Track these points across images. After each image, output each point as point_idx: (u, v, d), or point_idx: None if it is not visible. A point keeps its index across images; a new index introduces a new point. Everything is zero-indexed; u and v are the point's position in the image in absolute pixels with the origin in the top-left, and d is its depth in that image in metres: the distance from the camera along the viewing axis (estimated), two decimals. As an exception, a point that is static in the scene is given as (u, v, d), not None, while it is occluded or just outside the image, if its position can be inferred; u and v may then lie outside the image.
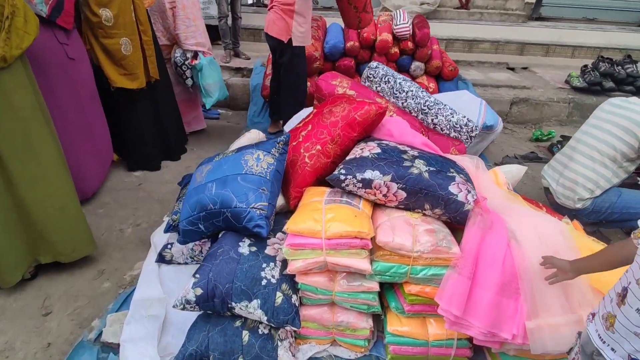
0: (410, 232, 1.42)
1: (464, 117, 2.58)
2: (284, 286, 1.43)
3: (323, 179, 1.80)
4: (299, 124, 2.00)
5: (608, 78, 4.34)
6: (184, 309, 1.43)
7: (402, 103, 2.42)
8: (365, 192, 1.55)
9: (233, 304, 1.39)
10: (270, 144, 1.65)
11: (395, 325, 1.49)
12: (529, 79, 4.70)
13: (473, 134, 2.74)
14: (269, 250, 1.53)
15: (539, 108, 4.20)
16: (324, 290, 1.47)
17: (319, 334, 1.56)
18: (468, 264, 1.37)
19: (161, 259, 1.95)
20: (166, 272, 1.94)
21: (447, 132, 2.45)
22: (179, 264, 1.97)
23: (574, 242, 1.40)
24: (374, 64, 2.56)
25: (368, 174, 1.52)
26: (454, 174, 1.54)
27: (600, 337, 0.97)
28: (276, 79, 3.17)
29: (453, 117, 2.49)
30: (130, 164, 2.97)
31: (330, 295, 1.48)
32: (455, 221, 1.53)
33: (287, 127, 2.94)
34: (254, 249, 1.52)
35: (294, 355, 1.48)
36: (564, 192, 2.34)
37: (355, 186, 1.55)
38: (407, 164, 1.54)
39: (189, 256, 1.95)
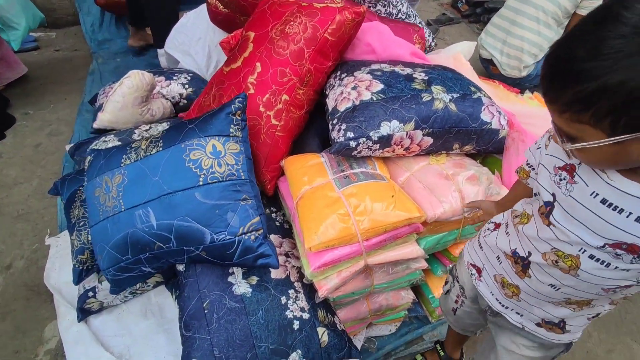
0: (452, 188, 1.09)
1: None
2: (321, 314, 1.04)
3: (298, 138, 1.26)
4: (228, 61, 1.26)
5: None
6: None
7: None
8: (382, 152, 1.10)
9: (264, 369, 0.96)
10: (221, 120, 0.97)
11: (441, 288, 1.28)
12: None
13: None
14: (277, 274, 1.05)
15: (431, -42, 3.80)
16: (362, 290, 1.13)
17: (353, 329, 1.28)
18: (520, 205, 1.14)
19: (85, 313, 1.30)
20: (103, 325, 1.32)
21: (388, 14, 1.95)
22: (116, 305, 1.35)
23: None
24: None
25: (385, 129, 1.05)
26: (479, 94, 1.17)
27: (499, 302, 0.82)
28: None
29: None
30: None
31: (368, 291, 1.15)
32: (485, 151, 1.23)
33: (172, 47, 2.04)
34: (255, 280, 1.03)
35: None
36: (510, 61, 2.21)
37: (371, 149, 1.07)
38: (426, 96, 1.09)
39: (128, 293, 1.33)
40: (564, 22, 2.12)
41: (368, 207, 0.99)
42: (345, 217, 0.97)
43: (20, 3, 1.99)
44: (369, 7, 1.67)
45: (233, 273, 1.04)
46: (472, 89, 1.18)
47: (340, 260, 0.98)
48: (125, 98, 1.53)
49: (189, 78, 1.80)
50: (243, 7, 1.59)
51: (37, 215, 1.70)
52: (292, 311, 0.99)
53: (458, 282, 0.96)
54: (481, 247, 0.86)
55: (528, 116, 1.31)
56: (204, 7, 2.02)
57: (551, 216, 0.64)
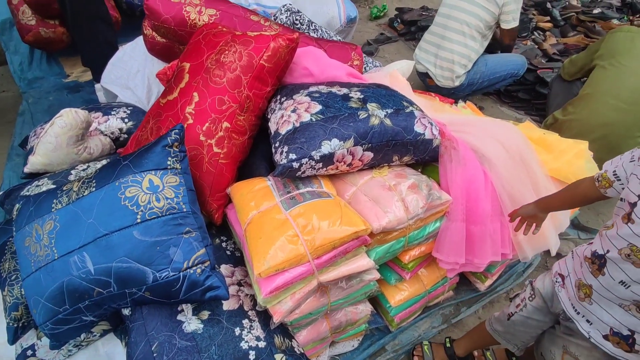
0: (395, 198, 1.14)
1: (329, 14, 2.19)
2: (278, 340, 1.02)
3: (242, 164, 1.26)
4: (165, 92, 1.25)
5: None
6: None
7: (274, 17, 1.81)
8: (326, 170, 1.13)
9: (223, 406, 0.92)
10: (157, 153, 0.95)
11: (396, 296, 1.32)
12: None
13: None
14: (229, 304, 1.03)
15: (366, -18, 4.03)
16: (319, 310, 1.13)
17: (315, 350, 1.27)
18: (459, 207, 1.21)
19: (24, 375, 1.18)
20: (46, 385, 1.21)
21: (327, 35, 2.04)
22: (60, 361, 1.25)
23: (526, 138, 1.39)
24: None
25: (326, 147, 1.08)
26: (411, 109, 1.24)
27: (573, 307, 0.92)
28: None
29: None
30: None
31: (325, 310, 1.16)
32: (423, 161, 1.30)
33: (109, 82, 1.99)
34: (207, 315, 1.00)
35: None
36: (443, 73, 2.37)
37: (314, 168, 1.10)
38: (362, 114, 1.14)
39: (71, 346, 1.24)
40: (487, 34, 2.33)
41: (315, 225, 1.00)
42: (294, 237, 0.98)
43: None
44: (305, 32, 1.73)
45: (182, 310, 1.00)
46: (405, 103, 1.25)
47: (292, 282, 0.97)
48: (58, 138, 1.46)
49: (128, 112, 1.75)
50: (180, 36, 1.59)
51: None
52: (247, 341, 0.97)
53: (533, 287, 1.08)
54: (572, 258, 0.98)
55: (462, 124, 1.41)
56: (139, 39, 1.99)
57: (632, 213, 0.75)
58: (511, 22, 2.25)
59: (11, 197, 1.45)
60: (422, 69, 2.47)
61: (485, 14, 2.20)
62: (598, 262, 0.85)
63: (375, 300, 1.36)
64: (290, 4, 1.99)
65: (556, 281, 1.00)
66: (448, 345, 1.36)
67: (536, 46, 3.02)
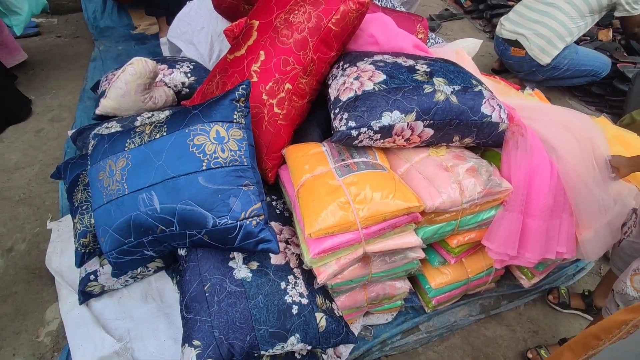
0: (452, 179, 1.11)
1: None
2: (319, 300, 1.05)
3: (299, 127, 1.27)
4: (232, 48, 1.27)
5: None
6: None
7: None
8: (382, 142, 1.11)
9: (262, 352, 0.97)
10: (225, 106, 0.98)
11: (437, 279, 1.31)
12: None
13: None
14: (277, 259, 1.07)
15: (437, -48, 3.78)
16: (360, 278, 1.15)
17: (350, 317, 1.30)
18: (519, 197, 1.16)
19: (87, 296, 1.32)
20: (103, 308, 1.35)
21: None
22: (117, 289, 1.37)
23: (604, 133, 1.28)
24: None
25: (386, 119, 1.06)
26: (480, 88, 1.18)
27: None
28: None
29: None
30: None
31: (366, 280, 1.17)
32: (484, 145, 1.25)
33: (174, 36, 2.05)
34: (255, 265, 1.04)
35: (339, 358, 1.22)
36: (540, 42, 2.18)
37: (372, 139, 1.08)
38: (427, 88, 1.10)
39: (129, 277, 1.35)
40: (595, 17, 2.17)
41: (368, 195, 1.00)
42: (346, 205, 0.99)
43: (22, -13, 1.99)
44: (373, -1, 1.67)
45: (234, 258, 1.05)
46: (474, 82, 1.19)
47: (339, 247, 0.99)
48: (128, 85, 1.54)
49: (191, 67, 1.80)
50: (248, -5, 1.60)
51: (38, 199, 1.71)
52: (291, 296, 1.01)
53: (636, 214, 1.18)
54: None
55: (528, 110, 1.32)
56: (207, -5, 2.01)
57: None
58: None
59: (82, 135, 1.56)
60: (511, 35, 2.29)
61: None
62: None
63: (414, 279, 1.36)
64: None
65: None
66: (586, 293, 1.47)
67: (619, 37, 2.72)
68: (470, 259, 1.34)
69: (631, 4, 2.09)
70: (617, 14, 2.18)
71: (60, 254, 1.47)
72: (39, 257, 1.48)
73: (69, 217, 1.55)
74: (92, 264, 1.29)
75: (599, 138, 1.25)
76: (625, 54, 2.54)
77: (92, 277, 1.28)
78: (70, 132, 1.67)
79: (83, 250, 1.23)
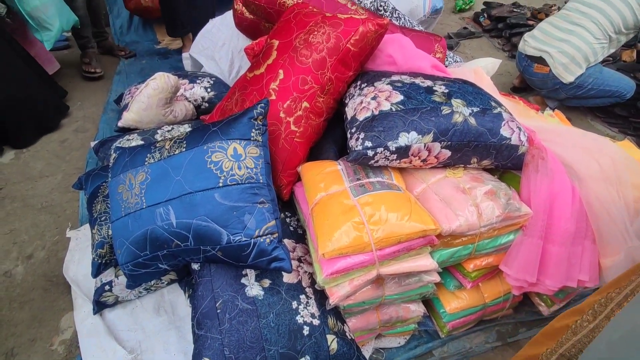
0: (469, 202, 1.09)
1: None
2: (331, 322, 1.04)
3: (315, 145, 1.27)
4: (252, 67, 1.30)
5: None
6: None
7: (359, 2, 1.79)
8: (399, 162, 1.11)
9: (272, 373, 0.96)
10: (244, 124, 0.99)
11: (452, 303, 1.27)
12: None
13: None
14: (289, 278, 1.07)
15: (455, -27, 3.81)
16: (373, 300, 1.13)
17: (361, 339, 1.28)
18: (539, 223, 1.13)
19: (101, 306, 1.33)
20: (117, 319, 1.36)
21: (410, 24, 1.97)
22: (130, 300, 1.39)
23: (632, 158, 1.24)
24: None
25: (403, 139, 1.05)
26: (499, 110, 1.16)
27: None
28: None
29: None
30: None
31: (379, 301, 1.15)
32: (503, 167, 1.23)
33: (196, 51, 2.10)
34: (267, 283, 1.04)
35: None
36: (564, 60, 2.18)
37: (388, 159, 1.08)
38: (445, 109, 1.10)
39: (142, 288, 1.36)
40: (621, 38, 2.17)
41: (383, 216, 0.99)
42: (360, 225, 0.98)
43: (56, 5, 2.09)
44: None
45: (246, 275, 1.05)
46: (493, 104, 1.18)
47: (352, 268, 0.98)
48: (150, 99, 1.58)
49: (211, 82, 1.85)
50: (269, 14, 1.63)
51: (59, 208, 1.75)
52: (302, 316, 1.00)
53: None
54: None
55: (548, 133, 1.30)
56: (228, 14, 2.07)
57: None
58: None
59: (104, 147, 1.60)
60: (535, 52, 2.28)
61: (629, 14, 2.03)
62: None
63: (429, 303, 1.33)
64: (377, -11, 1.95)
65: None
66: None
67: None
68: (487, 284, 1.30)
69: None
70: None
71: (78, 263, 1.50)
72: (57, 265, 1.51)
73: (87, 226, 1.59)
74: (108, 275, 1.31)
75: (622, 164, 1.21)
76: (649, 75, 2.48)
77: (107, 287, 1.30)
78: (92, 144, 1.73)
79: (100, 261, 1.24)
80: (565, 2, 2.40)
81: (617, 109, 2.45)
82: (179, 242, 0.97)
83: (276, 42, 1.26)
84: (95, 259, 1.25)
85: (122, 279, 1.28)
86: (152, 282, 1.34)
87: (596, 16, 2.12)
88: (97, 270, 1.25)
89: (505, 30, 3.23)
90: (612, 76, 2.22)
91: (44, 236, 1.64)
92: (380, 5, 1.89)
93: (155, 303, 1.38)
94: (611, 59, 2.65)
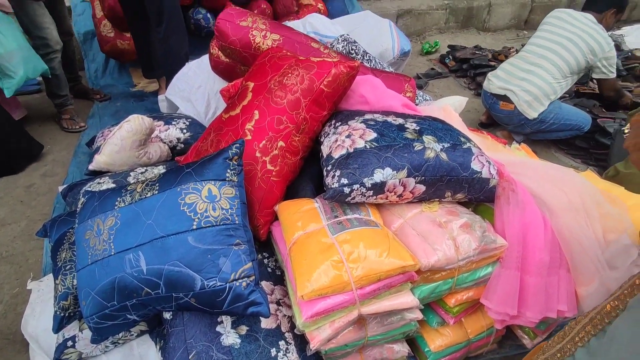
0: (446, 236, 1.09)
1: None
2: (312, 368, 0.99)
3: (292, 183, 1.27)
4: (227, 108, 1.31)
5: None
6: None
7: (331, 46, 1.88)
8: (375, 198, 1.12)
9: None
10: (218, 164, 0.98)
11: (437, 340, 1.24)
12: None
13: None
14: (267, 323, 1.02)
15: (421, 18, 4.11)
16: (356, 343, 1.09)
17: (346, 383, 1.22)
18: (514, 254, 1.14)
19: (62, 364, 1.22)
20: (79, 377, 1.23)
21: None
22: (96, 356, 1.28)
23: (597, 189, 1.30)
24: None
25: (378, 176, 1.07)
26: (468, 145, 1.21)
27: None
28: (139, 25, 2.18)
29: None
30: None
31: (362, 343, 1.11)
32: (477, 200, 1.25)
33: (173, 93, 2.12)
34: (244, 330, 0.99)
35: None
36: (527, 97, 2.33)
37: (364, 195, 1.09)
38: (417, 146, 1.13)
39: (109, 342, 1.26)
40: (575, 77, 2.36)
41: (362, 253, 0.98)
42: (339, 264, 0.96)
43: (22, 55, 2.06)
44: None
45: (222, 322, 1.00)
46: (462, 139, 1.23)
47: (333, 309, 0.95)
48: (123, 141, 1.56)
49: (187, 123, 1.85)
50: (244, 57, 1.68)
51: (21, 257, 1.65)
52: (282, 365, 0.95)
53: None
54: None
55: (517, 166, 1.35)
56: (205, 57, 2.13)
57: None
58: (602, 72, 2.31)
59: (73, 191, 1.54)
60: (499, 90, 2.43)
61: (581, 57, 2.23)
62: None
63: (413, 343, 1.29)
64: (347, 34, 2.06)
65: None
66: None
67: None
68: (470, 319, 1.29)
69: (607, 67, 2.27)
70: (594, 76, 2.37)
71: (38, 317, 1.38)
72: (14, 321, 1.40)
73: (51, 276, 1.49)
74: (71, 329, 1.21)
75: (588, 195, 1.26)
76: (603, 109, 2.68)
77: (69, 343, 1.20)
78: (60, 188, 1.66)
79: (62, 314, 1.15)
80: (522, 46, 2.61)
81: (578, 141, 2.61)
82: (150, 290, 0.92)
83: (251, 84, 1.29)
84: (58, 312, 1.16)
85: (87, 333, 1.18)
86: (120, 334, 1.25)
87: (553, 58, 2.31)
88: (59, 325, 1.15)
89: (469, 70, 3.45)
90: (570, 111, 2.39)
91: (2, 288, 1.53)
92: (352, 49, 1.98)
93: (124, 357, 1.27)
94: (567, 95, 2.86)
